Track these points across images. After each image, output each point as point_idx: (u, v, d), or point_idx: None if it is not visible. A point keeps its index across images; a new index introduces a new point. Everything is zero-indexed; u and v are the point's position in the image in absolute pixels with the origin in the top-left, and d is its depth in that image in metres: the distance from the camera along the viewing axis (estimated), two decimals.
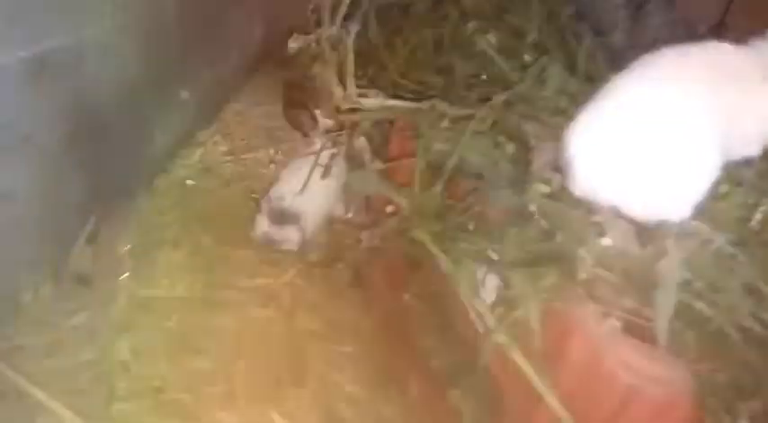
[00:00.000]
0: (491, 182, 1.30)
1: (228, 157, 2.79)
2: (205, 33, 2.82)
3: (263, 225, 2.14)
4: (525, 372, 1.23)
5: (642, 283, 1.18)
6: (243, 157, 2.82)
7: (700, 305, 1.13)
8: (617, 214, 1.19)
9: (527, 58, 1.47)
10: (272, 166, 2.72)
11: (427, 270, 2.02)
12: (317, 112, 1.99)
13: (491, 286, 1.34)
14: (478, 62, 1.56)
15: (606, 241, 1.20)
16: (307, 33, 2.21)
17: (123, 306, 1.83)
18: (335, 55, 1.54)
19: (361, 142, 1.43)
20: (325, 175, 1.94)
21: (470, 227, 1.36)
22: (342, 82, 1.46)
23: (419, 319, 2.05)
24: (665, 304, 1.08)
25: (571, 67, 1.44)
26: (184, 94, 2.66)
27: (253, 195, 2.43)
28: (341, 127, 1.81)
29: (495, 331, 1.24)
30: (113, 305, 1.83)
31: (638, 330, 1.18)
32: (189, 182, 2.53)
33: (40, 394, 1.54)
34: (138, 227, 2.18)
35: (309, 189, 2.02)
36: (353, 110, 1.46)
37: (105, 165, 2.09)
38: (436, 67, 1.61)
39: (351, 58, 1.49)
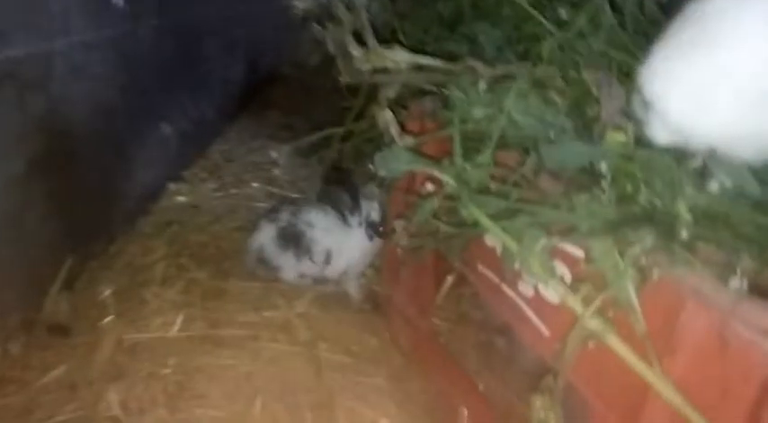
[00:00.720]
0: (548, 142, 1.07)
1: (218, 194, 2.56)
2: (185, 67, 2.65)
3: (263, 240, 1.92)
4: (628, 361, 0.96)
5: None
6: (233, 191, 2.59)
7: None
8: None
9: (563, 13, 1.28)
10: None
11: (458, 283, 1.82)
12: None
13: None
14: (506, 28, 1.36)
15: (713, 186, 0.96)
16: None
17: (108, 354, 1.53)
18: (349, 15, 1.32)
19: (386, 115, 1.20)
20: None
21: (531, 197, 1.12)
22: (360, 41, 1.24)
23: (456, 341, 1.80)
24: None
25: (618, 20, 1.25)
26: (166, 129, 2.46)
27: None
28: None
29: (583, 317, 0.98)
30: (96, 354, 1.53)
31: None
32: (176, 220, 2.27)
33: None
34: (121, 269, 1.91)
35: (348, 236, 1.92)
36: (379, 71, 1.24)
37: (80, 199, 1.84)
38: (459, 36, 1.40)
39: (365, 15, 1.28)
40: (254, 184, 2.64)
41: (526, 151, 1.14)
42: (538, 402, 1.01)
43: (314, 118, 2.54)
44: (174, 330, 1.64)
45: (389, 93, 1.23)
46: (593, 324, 0.98)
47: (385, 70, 1.24)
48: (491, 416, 1.51)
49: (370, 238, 1.87)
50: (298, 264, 1.89)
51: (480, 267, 1.45)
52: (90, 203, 1.91)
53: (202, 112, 2.87)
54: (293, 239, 1.89)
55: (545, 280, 1.02)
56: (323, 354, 1.65)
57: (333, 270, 1.90)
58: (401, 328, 1.82)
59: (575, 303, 0.99)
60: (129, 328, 1.63)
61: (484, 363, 1.71)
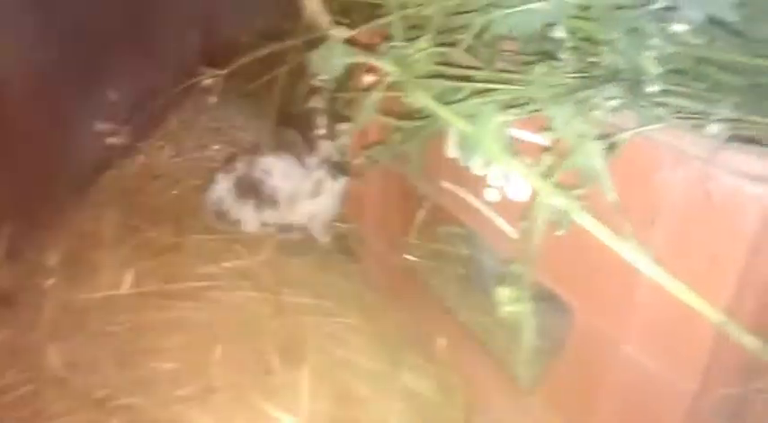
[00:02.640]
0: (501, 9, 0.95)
1: (176, 159, 2.42)
2: (132, 34, 2.50)
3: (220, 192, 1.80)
4: (599, 236, 0.85)
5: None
6: (193, 156, 2.46)
7: None
8: None
9: None
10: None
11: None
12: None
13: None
14: None
15: (679, 27, 0.85)
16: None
17: (52, 316, 1.41)
18: None
19: (313, 3, 1.08)
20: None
21: (479, 77, 1.00)
22: None
23: (432, 276, 1.69)
24: None
25: None
26: (112, 95, 2.31)
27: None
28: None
29: (544, 192, 0.87)
30: (39, 317, 1.40)
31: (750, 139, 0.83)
32: (131, 187, 2.14)
33: None
34: (69, 236, 1.78)
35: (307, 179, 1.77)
36: None
37: (17, 166, 1.70)
38: None
39: None
40: (215, 147, 2.51)
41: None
42: (505, 293, 0.89)
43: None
44: (125, 288, 1.51)
45: None
46: (558, 201, 0.86)
47: None
48: (470, 345, 1.41)
49: (334, 176, 1.74)
50: (258, 213, 1.77)
51: (444, 184, 1.34)
52: (30, 171, 1.78)
53: (155, 81, 2.72)
54: (251, 189, 1.77)
55: (505, 161, 0.91)
56: (289, 298, 1.54)
57: (297, 216, 1.78)
58: (372, 265, 1.71)
59: (536, 180, 0.88)
60: (75, 290, 1.51)
61: (462, 295, 1.60)
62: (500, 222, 1.17)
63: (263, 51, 2.14)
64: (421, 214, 1.67)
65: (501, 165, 0.92)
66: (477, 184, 1.23)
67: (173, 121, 2.84)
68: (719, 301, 0.80)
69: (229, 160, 1.90)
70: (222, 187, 1.78)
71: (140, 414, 1.18)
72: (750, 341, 0.79)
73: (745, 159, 0.77)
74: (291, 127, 1.78)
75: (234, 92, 3.18)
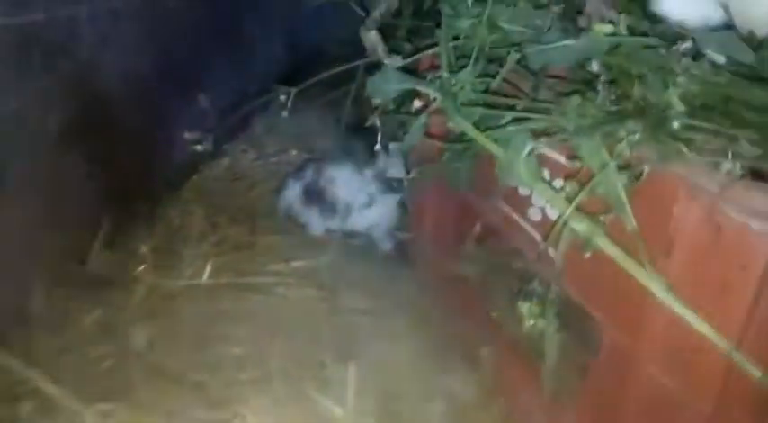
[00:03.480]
0: (533, 43, 1.03)
1: (258, 162, 2.62)
2: (222, 42, 2.73)
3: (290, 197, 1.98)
4: (619, 263, 0.91)
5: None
6: (273, 160, 2.65)
7: None
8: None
9: None
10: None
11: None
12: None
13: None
14: None
15: (704, 65, 0.90)
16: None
17: (141, 298, 1.61)
18: None
19: (371, 35, 1.19)
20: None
21: (518, 106, 1.08)
22: None
23: (484, 288, 1.76)
24: None
25: None
26: (203, 100, 2.54)
27: None
28: None
29: (568, 218, 0.94)
30: (130, 299, 1.61)
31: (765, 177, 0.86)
32: (216, 187, 2.35)
33: (53, 390, 1.32)
34: (160, 229, 1.99)
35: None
36: None
37: (118, 164, 1.93)
38: None
39: None
40: (293, 152, 2.68)
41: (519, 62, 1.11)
42: (524, 308, 0.98)
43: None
44: (204, 278, 1.69)
45: (376, 13, 1.22)
46: (581, 226, 0.94)
47: None
48: (513, 357, 1.47)
49: (388, 189, 1.86)
50: (323, 219, 1.91)
51: (494, 201, 1.42)
52: (129, 169, 2.00)
53: (242, 87, 2.94)
54: (316, 196, 1.92)
55: (532, 185, 0.99)
56: (346, 298, 1.66)
57: (358, 223, 1.90)
58: (427, 273, 1.80)
59: (561, 204, 0.95)
60: (162, 277, 1.70)
61: (509, 308, 1.67)
62: (538, 239, 1.24)
63: (342, 65, 2.27)
64: (476, 229, 1.75)
65: (529, 188, 1.00)
66: (523, 204, 1.31)
67: (257, 126, 3.06)
68: (728, 329, 0.85)
69: (300, 167, 2.05)
70: (291, 193, 1.94)
71: (206, 391, 1.34)
72: (753, 370, 0.83)
73: (754, 196, 0.81)
74: (359, 139, 1.91)
75: (317, 99, 3.38)
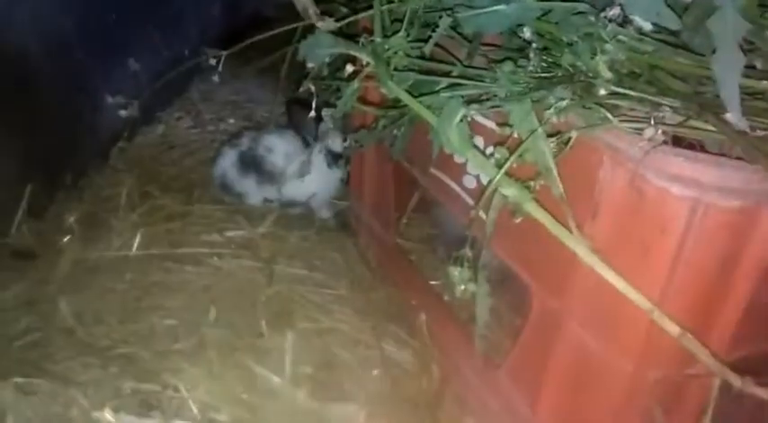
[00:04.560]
0: (471, 9, 1.02)
1: (194, 131, 2.54)
2: (153, 4, 2.60)
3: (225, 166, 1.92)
4: (546, 225, 0.93)
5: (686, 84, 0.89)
6: (209, 128, 2.57)
7: (764, 85, 0.85)
8: None
9: None
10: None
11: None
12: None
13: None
14: None
15: (629, 31, 0.91)
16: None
17: (66, 271, 1.54)
18: None
19: None
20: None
21: (453, 72, 1.08)
22: None
23: (423, 257, 1.78)
24: (728, 70, 0.79)
25: None
26: (133, 64, 2.42)
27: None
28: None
29: (500, 182, 0.95)
30: (55, 272, 1.54)
31: (688, 144, 0.89)
32: (148, 155, 2.27)
33: None
34: (88, 199, 1.91)
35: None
36: None
37: (40, 130, 1.83)
38: None
39: None
40: (231, 121, 2.61)
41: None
42: (455, 273, 0.98)
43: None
44: (134, 249, 1.64)
45: None
46: (510, 192, 0.94)
47: None
48: (449, 322, 1.49)
49: (329, 165, 1.86)
50: (260, 188, 1.88)
51: (431, 169, 1.42)
52: (52, 135, 1.91)
53: (176, 52, 2.82)
54: (253, 164, 1.88)
55: (464, 152, 0.99)
56: (284, 268, 1.64)
57: (297, 193, 1.88)
58: (368, 243, 1.81)
59: (491, 171, 0.96)
60: (89, 248, 1.64)
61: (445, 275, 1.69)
62: (472, 206, 1.25)
63: (281, 28, 2.20)
64: (415, 197, 1.75)
65: (460, 154, 1.00)
66: (459, 171, 1.31)
67: (193, 92, 2.96)
68: (649, 290, 0.88)
69: (236, 135, 2.00)
70: (226, 161, 1.89)
71: (137, 363, 1.31)
72: (673, 328, 0.87)
73: (674, 162, 0.83)
74: (301, 106, 1.86)
75: (254, 65, 3.29)
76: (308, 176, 1.84)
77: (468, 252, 0.97)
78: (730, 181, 0.81)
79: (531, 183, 0.97)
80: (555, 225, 0.94)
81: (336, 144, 1.84)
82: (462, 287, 1.01)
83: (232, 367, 1.34)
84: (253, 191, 1.88)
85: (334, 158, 1.86)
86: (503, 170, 0.92)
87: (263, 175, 1.87)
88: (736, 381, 0.83)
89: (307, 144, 1.88)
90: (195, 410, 1.22)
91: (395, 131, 1.27)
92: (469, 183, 1.29)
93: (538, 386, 1.15)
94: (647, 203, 0.86)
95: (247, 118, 2.66)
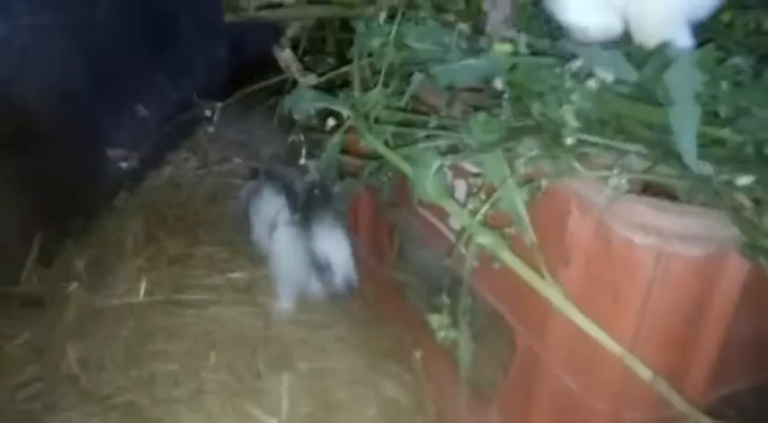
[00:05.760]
0: (439, 62, 1.06)
1: (200, 171, 2.61)
2: (159, 51, 2.70)
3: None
4: (520, 274, 0.96)
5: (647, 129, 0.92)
6: (215, 169, 2.64)
7: (725, 133, 0.87)
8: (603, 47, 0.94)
9: None
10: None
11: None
12: None
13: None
14: None
15: (591, 84, 0.94)
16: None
17: (72, 318, 1.59)
18: None
19: (285, 54, 1.21)
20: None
21: (430, 123, 1.12)
22: None
23: (412, 290, 1.80)
24: (685, 122, 0.81)
25: None
26: (142, 111, 2.51)
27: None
28: None
29: (475, 231, 0.98)
30: (62, 320, 1.59)
31: (656, 190, 0.92)
32: (156, 198, 2.33)
33: None
34: (96, 244, 1.97)
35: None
36: (264, 7, 1.24)
37: (49, 179, 1.90)
38: None
39: None
40: (237, 160, 2.68)
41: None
42: (435, 321, 1.01)
43: None
44: (139, 295, 1.69)
45: (289, 32, 1.24)
46: (485, 240, 0.97)
47: (272, 5, 1.25)
48: (442, 359, 1.51)
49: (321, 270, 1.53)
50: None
51: (419, 209, 1.45)
52: (61, 184, 1.97)
53: (184, 96, 2.91)
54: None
55: (440, 201, 1.02)
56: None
57: None
58: (364, 279, 1.83)
59: (466, 219, 0.99)
60: (95, 295, 1.69)
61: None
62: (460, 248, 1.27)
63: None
64: (398, 239, 1.78)
65: (437, 203, 1.03)
66: (444, 213, 1.34)
67: (200, 133, 3.04)
68: (622, 335, 0.90)
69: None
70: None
71: (138, 411, 1.34)
72: (645, 373, 0.88)
73: (638, 210, 0.86)
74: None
75: (261, 106, 3.37)
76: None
77: (445, 299, 1.00)
78: (692, 229, 0.83)
79: (506, 230, 1.00)
80: (528, 272, 0.96)
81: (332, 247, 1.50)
82: (443, 334, 1.03)
83: (231, 411, 1.37)
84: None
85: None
86: (476, 218, 0.95)
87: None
88: (706, 421, 0.84)
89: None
90: None
91: (379, 178, 1.31)
92: (456, 223, 1.32)
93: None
94: (613, 251, 0.89)
95: (253, 157, 2.72)
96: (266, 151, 2.77)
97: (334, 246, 1.47)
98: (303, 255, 1.50)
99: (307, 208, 1.48)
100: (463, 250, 1.03)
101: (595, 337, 0.91)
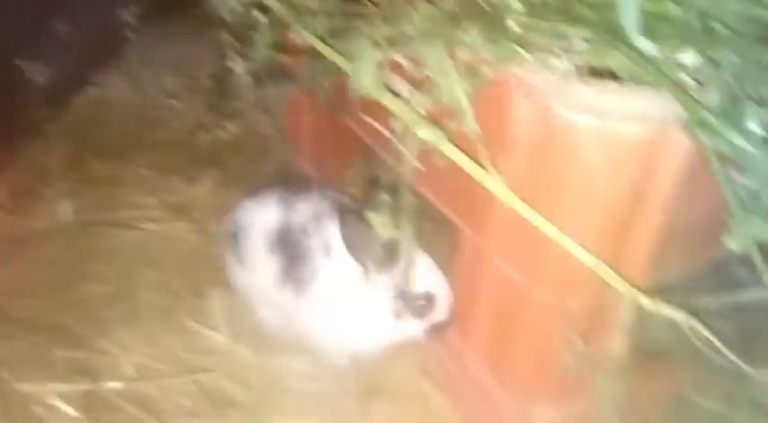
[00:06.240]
0: None
1: (132, 92, 2.45)
2: None
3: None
4: (463, 166, 0.92)
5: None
6: (149, 90, 2.48)
7: (670, 8, 0.84)
8: None
9: None
10: None
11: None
12: None
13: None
14: None
15: None
16: None
17: None
18: None
19: None
20: None
21: (366, 14, 1.04)
22: None
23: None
24: None
25: None
26: (64, 29, 2.31)
27: None
28: None
29: (414, 124, 0.93)
30: None
31: (601, 74, 0.88)
32: (84, 120, 2.18)
33: None
34: (20, 171, 1.84)
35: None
36: None
37: None
38: None
39: None
40: (171, 79, 2.53)
41: None
42: (375, 220, 0.98)
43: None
44: (68, 218, 1.59)
45: None
46: (425, 133, 0.93)
47: None
48: None
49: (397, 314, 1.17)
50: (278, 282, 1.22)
51: (365, 117, 1.39)
52: None
53: (112, 13, 2.69)
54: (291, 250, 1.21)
55: (378, 96, 0.97)
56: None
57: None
58: None
59: (406, 113, 0.94)
60: (19, 221, 1.58)
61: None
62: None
63: None
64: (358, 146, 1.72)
65: (377, 99, 0.97)
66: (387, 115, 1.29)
67: (131, 52, 2.84)
68: (565, 222, 0.88)
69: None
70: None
71: (68, 332, 1.28)
72: (586, 258, 0.88)
73: (582, 93, 0.83)
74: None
75: (194, 19, 3.16)
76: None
77: (385, 196, 0.96)
78: (634, 107, 0.80)
79: (448, 123, 0.96)
80: (470, 164, 0.93)
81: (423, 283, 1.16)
82: (385, 233, 1.00)
83: (170, 330, 1.32)
84: None
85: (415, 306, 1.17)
86: (416, 111, 0.90)
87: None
88: (648, 303, 0.85)
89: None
90: (132, 372, 1.21)
91: (317, 79, 1.23)
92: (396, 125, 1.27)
93: (469, 317, 1.16)
94: (557, 136, 0.86)
95: (189, 77, 2.57)
96: (201, 69, 2.63)
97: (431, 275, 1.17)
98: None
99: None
100: (402, 147, 1.00)
101: (537, 226, 0.89)
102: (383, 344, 1.20)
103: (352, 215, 1.08)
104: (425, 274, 1.16)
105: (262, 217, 1.23)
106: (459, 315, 1.19)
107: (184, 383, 1.24)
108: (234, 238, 1.28)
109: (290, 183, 1.26)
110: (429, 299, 1.16)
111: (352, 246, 1.10)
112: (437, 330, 1.19)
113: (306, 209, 1.21)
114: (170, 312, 1.37)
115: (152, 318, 1.35)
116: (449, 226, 1.15)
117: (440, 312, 1.17)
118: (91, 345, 1.26)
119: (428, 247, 1.18)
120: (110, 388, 1.18)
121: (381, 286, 1.14)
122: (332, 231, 1.14)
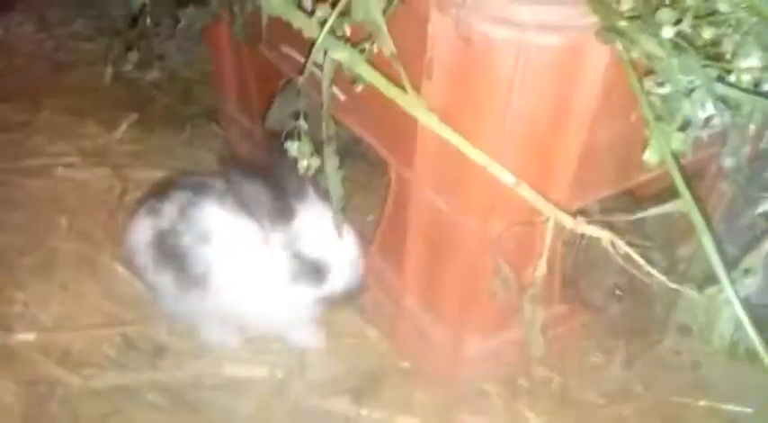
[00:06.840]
0: None
1: (39, 35, 2.28)
2: None
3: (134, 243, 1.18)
4: (381, 89, 0.88)
5: None
6: (57, 32, 2.31)
7: None
8: None
9: None
10: None
11: None
12: None
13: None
14: None
15: None
16: None
17: None
18: None
19: None
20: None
21: None
22: None
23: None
24: None
25: None
26: None
27: None
28: None
29: (328, 45, 0.88)
30: None
31: None
32: None
33: None
34: None
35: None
36: None
37: None
38: None
39: None
40: (81, 20, 2.36)
41: None
42: (293, 148, 0.94)
43: None
44: None
45: None
46: (340, 54, 0.88)
47: None
48: None
49: (295, 278, 1.10)
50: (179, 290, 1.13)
51: (285, 48, 1.32)
52: None
53: None
54: (173, 256, 1.11)
55: (287, 15, 0.91)
56: (142, 173, 1.53)
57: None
58: (237, 138, 1.71)
59: (317, 32, 0.88)
60: None
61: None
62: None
63: None
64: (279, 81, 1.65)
65: (288, 19, 0.91)
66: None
67: None
68: (487, 143, 0.86)
69: (160, 191, 1.22)
70: (139, 235, 1.17)
71: None
72: (508, 178, 0.86)
73: (495, 3, 0.79)
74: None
75: None
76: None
77: (302, 124, 0.92)
78: (550, 17, 0.77)
79: (365, 45, 0.91)
80: (389, 87, 0.89)
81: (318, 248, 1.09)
82: (305, 162, 0.96)
83: (88, 277, 1.26)
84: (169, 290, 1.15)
85: (308, 272, 1.09)
86: (325, 29, 0.85)
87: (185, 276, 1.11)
88: (568, 221, 0.84)
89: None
90: (48, 324, 1.15)
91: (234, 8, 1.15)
92: (320, 57, 1.21)
93: (401, 254, 1.15)
94: (474, 52, 0.82)
95: (99, 18, 2.40)
96: (114, 10, 2.46)
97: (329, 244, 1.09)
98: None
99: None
100: (316, 70, 0.95)
101: (459, 148, 0.87)
102: (285, 309, 1.13)
103: (238, 173, 1.03)
104: (325, 241, 1.07)
105: (138, 236, 1.15)
106: (392, 252, 1.17)
107: (108, 334, 1.19)
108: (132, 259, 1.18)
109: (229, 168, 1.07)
110: (320, 267, 1.08)
111: (244, 203, 1.05)
112: (343, 300, 1.11)
113: (169, 209, 1.12)
114: (88, 261, 1.30)
115: (69, 267, 1.28)
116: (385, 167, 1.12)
117: (336, 282, 1.09)
118: (2, 296, 1.18)
119: (363, 189, 1.15)
120: (23, 340, 1.11)
121: (278, 245, 1.07)
122: (202, 217, 1.09)
